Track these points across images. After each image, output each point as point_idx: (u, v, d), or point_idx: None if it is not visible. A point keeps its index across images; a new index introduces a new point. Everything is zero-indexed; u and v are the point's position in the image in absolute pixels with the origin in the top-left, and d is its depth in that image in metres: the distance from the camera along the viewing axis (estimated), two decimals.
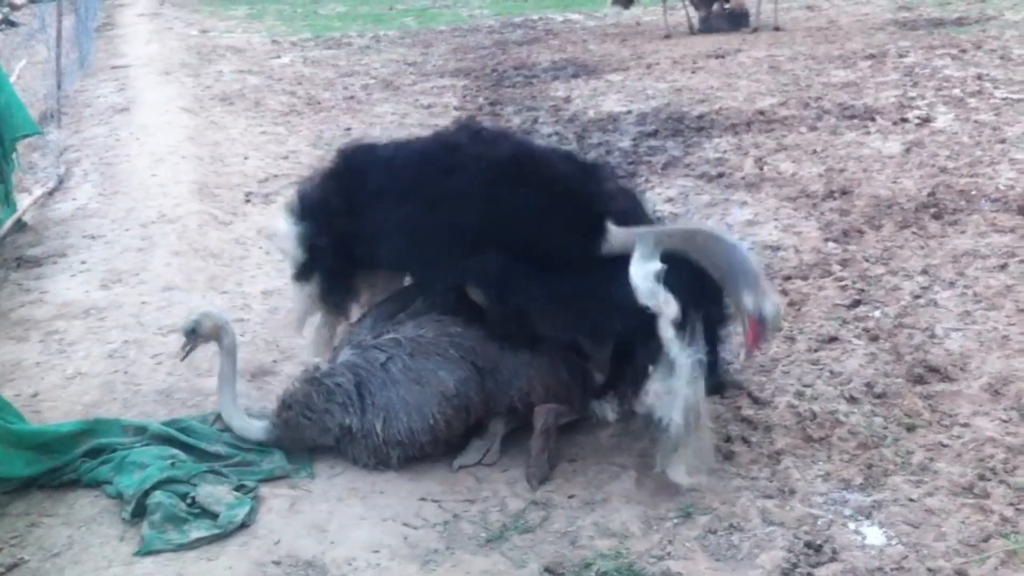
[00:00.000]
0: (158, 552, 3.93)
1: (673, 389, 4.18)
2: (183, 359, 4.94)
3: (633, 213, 4.65)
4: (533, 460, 4.56)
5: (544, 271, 4.37)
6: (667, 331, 4.12)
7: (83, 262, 7.21)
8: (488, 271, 4.45)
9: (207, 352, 5.60)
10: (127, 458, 4.39)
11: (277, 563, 3.89)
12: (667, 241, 4.30)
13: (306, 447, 4.65)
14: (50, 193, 9.04)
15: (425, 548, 4.02)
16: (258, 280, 6.90)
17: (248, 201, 8.79)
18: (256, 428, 4.65)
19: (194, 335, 4.74)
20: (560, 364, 4.73)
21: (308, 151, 10.65)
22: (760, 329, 4.28)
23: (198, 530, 4.02)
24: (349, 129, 11.57)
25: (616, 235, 4.34)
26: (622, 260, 4.23)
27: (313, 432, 4.60)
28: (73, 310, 6.33)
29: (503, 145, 4.80)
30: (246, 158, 10.25)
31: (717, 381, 4.66)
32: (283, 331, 6.00)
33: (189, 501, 4.15)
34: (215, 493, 4.18)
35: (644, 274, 4.16)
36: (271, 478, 4.44)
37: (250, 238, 7.80)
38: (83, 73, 15.25)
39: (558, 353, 4.74)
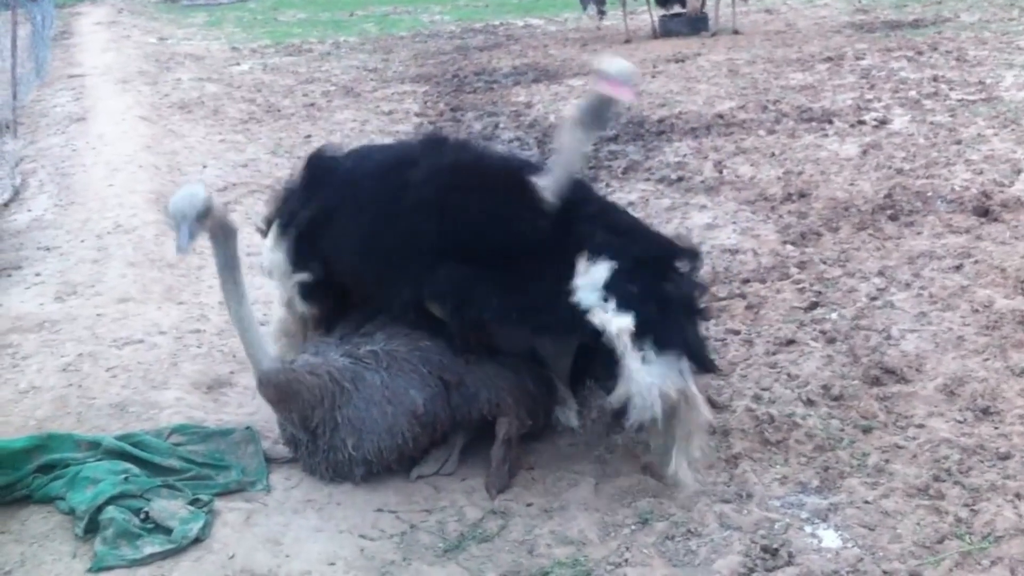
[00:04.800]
0: (111, 568, 3.88)
1: (636, 389, 4.18)
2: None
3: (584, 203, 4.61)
4: (494, 469, 4.55)
5: (499, 278, 4.35)
6: (620, 342, 4.15)
7: (38, 274, 7.13)
8: (443, 284, 4.42)
9: (162, 364, 5.59)
10: (80, 473, 4.33)
11: None
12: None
13: (284, 417, 4.53)
14: (5, 204, 8.96)
15: (382, 560, 4.00)
16: (215, 291, 6.77)
17: None
18: (268, 355, 4.41)
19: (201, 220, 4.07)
20: (526, 375, 4.69)
21: (267, 159, 10.61)
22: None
23: (152, 545, 3.96)
24: (309, 136, 11.52)
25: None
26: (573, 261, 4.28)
27: (298, 407, 4.41)
28: (27, 323, 6.25)
29: (449, 155, 4.77)
30: (204, 167, 10.19)
31: (700, 359, 4.52)
32: (240, 342, 5.95)
33: (142, 516, 4.09)
34: (169, 508, 4.13)
35: (590, 287, 4.21)
36: (226, 491, 4.40)
37: (207, 248, 7.70)
38: (39, 82, 15.13)
39: (523, 363, 4.71)
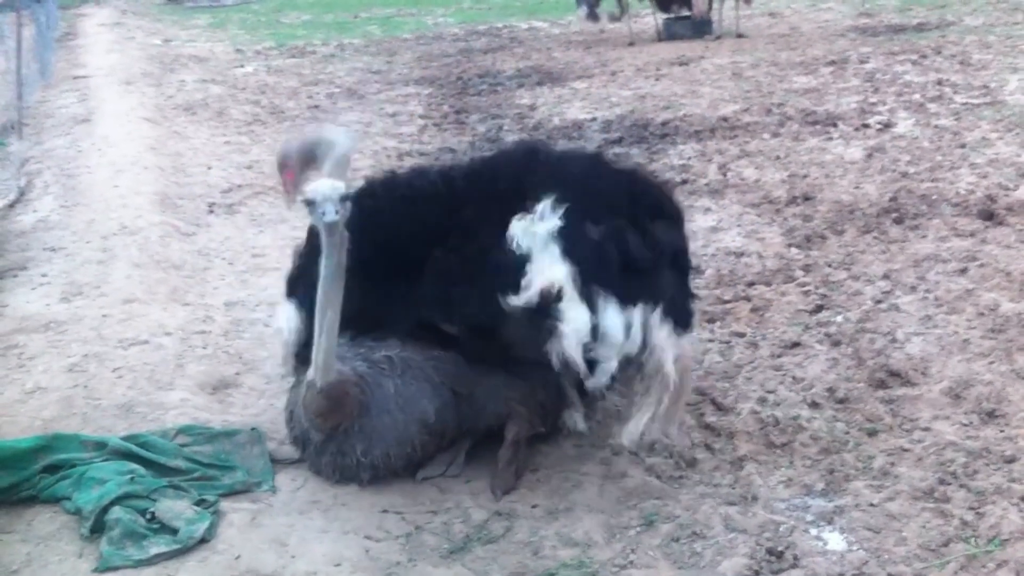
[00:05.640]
0: (117, 568, 3.88)
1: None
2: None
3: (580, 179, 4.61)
4: (500, 471, 4.55)
5: (475, 272, 4.36)
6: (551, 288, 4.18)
7: (43, 275, 7.13)
8: (431, 299, 4.45)
9: (168, 365, 5.60)
10: (86, 474, 4.34)
11: None
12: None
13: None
14: (11, 205, 8.95)
15: (387, 561, 4.00)
16: (220, 292, 6.85)
17: (211, 212, 8.74)
18: (334, 368, 4.33)
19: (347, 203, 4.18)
20: (537, 383, 4.64)
21: (271, 161, 10.55)
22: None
23: (157, 546, 3.97)
24: None
25: None
26: None
27: (343, 414, 4.39)
28: (33, 324, 6.25)
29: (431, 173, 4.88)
30: (209, 168, 10.19)
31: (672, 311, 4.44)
32: (245, 343, 5.98)
33: (148, 516, 4.10)
34: (174, 508, 4.13)
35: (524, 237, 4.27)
36: (232, 492, 4.40)
37: (212, 249, 7.76)
38: (44, 84, 15.12)
39: (534, 370, 4.63)
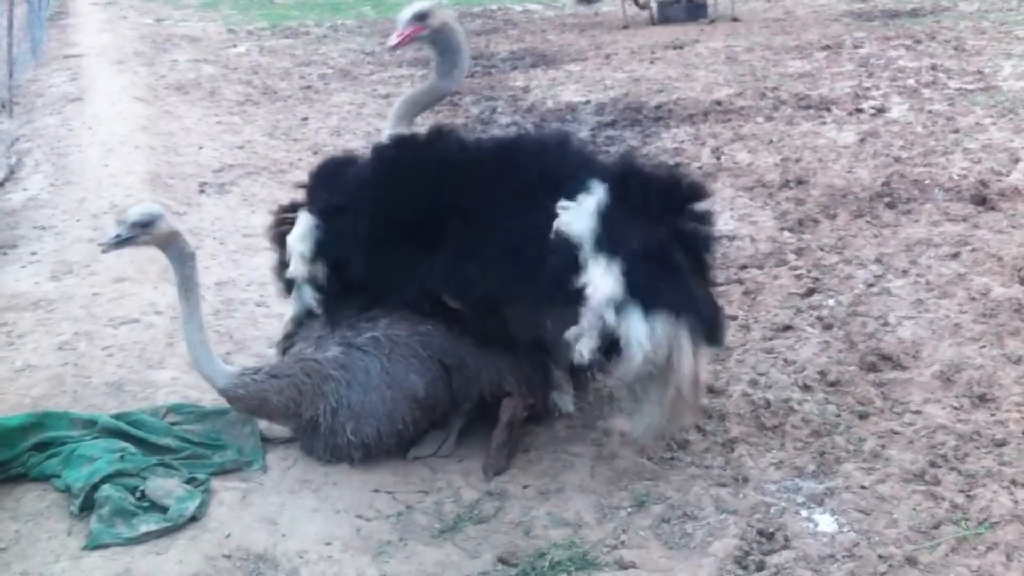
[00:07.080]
0: (106, 546, 3.88)
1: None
2: (106, 251, 4.56)
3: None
4: (493, 452, 4.55)
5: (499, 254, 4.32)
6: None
7: (33, 253, 7.11)
8: (441, 274, 4.42)
9: (158, 344, 5.57)
10: (76, 451, 4.33)
11: (227, 556, 3.85)
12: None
13: (256, 418, 4.67)
14: (1, 183, 8.90)
15: (378, 540, 4.00)
16: (212, 271, 6.81)
17: (202, 191, 8.71)
18: (221, 372, 4.52)
19: (139, 229, 4.39)
20: (523, 359, 4.68)
21: (264, 141, 10.58)
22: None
23: (147, 524, 3.97)
24: (306, 119, 11.51)
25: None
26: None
27: (274, 410, 4.54)
28: (23, 302, 6.23)
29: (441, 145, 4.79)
30: (201, 148, 10.16)
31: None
32: (236, 323, 5.96)
33: (138, 495, 4.10)
34: (165, 486, 4.13)
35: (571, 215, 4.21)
36: (222, 471, 4.40)
37: (204, 228, 7.72)
38: (35, 62, 15.05)
39: (521, 350, 4.69)
